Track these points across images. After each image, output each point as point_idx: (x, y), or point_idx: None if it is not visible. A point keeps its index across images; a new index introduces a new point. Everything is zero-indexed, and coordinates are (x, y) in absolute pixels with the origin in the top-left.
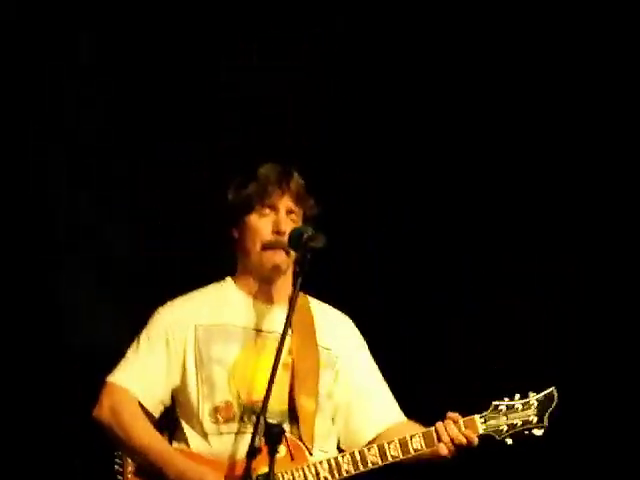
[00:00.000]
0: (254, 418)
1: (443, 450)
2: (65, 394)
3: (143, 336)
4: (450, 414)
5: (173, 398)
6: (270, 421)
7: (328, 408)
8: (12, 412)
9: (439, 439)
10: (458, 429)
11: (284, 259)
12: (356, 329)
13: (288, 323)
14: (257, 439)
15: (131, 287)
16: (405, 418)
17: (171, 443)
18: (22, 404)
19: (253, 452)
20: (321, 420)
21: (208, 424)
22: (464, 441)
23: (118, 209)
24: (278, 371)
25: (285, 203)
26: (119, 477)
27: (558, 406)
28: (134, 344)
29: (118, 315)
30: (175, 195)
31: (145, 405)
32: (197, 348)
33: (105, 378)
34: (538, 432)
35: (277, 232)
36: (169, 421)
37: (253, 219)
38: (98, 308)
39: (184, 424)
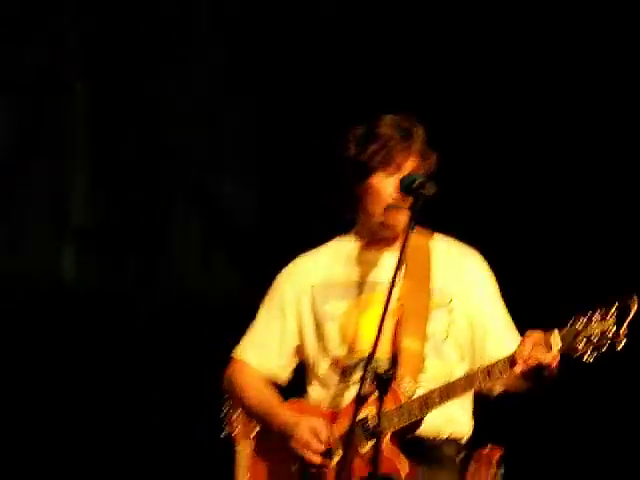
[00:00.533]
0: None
1: (517, 369)
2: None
3: (262, 306)
4: (529, 332)
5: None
6: (379, 370)
7: (447, 349)
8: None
9: (515, 361)
10: (534, 349)
11: (407, 218)
12: (482, 263)
13: (398, 273)
14: (365, 386)
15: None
16: None
17: None
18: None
19: (361, 399)
20: (438, 362)
21: (325, 378)
22: (534, 362)
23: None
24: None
25: (410, 164)
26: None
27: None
28: (257, 315)
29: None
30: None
31: (262, 371)
32: (313, 308)
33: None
34: (619, 345)
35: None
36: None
37: (377, 180)
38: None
39: (309, 380)
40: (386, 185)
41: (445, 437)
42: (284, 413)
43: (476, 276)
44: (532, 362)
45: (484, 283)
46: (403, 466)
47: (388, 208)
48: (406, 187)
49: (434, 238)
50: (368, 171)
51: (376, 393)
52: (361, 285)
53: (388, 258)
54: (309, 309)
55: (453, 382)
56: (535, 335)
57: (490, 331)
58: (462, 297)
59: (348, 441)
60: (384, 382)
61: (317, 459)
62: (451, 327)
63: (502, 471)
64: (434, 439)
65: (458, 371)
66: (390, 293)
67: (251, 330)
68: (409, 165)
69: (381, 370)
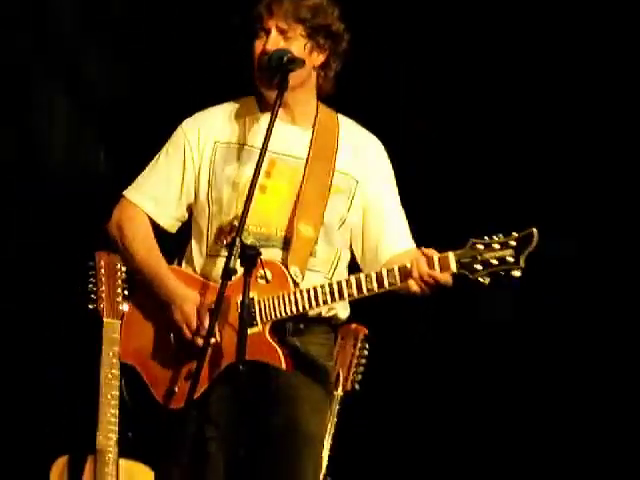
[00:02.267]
0: (257, 243)
1: (413, 286)
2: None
3: (163, 150)
4: (424, 250)
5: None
6: (247, 242)
7: (338, 235)
8: None
9: (410, 275)
10: (431, 267)
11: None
12: (384, 153)
13: (266, 143)
14: (232, 260)
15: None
16: (414, 246)
17: (181, 263)
18: None
19: (228, 273)
20: (328, 247)
21: (213, 245)
22: (432, 281)
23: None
24: (282, 196)
25: (274, 23)
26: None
27: (537, 248)
28: (155, 158)
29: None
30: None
31: (158, 222)
32: (212, 166)
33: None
34: (516, 273)
35: (263, 52)
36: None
37: (253, 43)
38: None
39: (193, 243)
40: (257, 45)
41: (321, 317)
42: (173, 281)
43: (380, 166)
44: (429, 280)
45: (386, 174)
46: (285, 358)
47: (257, 67)
48: (275, 62)
49: (339, 118)
50: (248, 35)
51: (261, 272)
52: (269, 155)
53: (298, 132)
54: (207, 166)
55: (343, 283)
56: (430, 252)
57: (386, 227)
58: (364, 185)
59: (214, 319)
60: (250, 257)
61: (193, 338)
62: (348, 213)
63: (367, 347)
64: (312, 317)
65: (343, 257)
66: (259, 167)
67: (149, 176)
68: (274, 24)
69: (249, 244)
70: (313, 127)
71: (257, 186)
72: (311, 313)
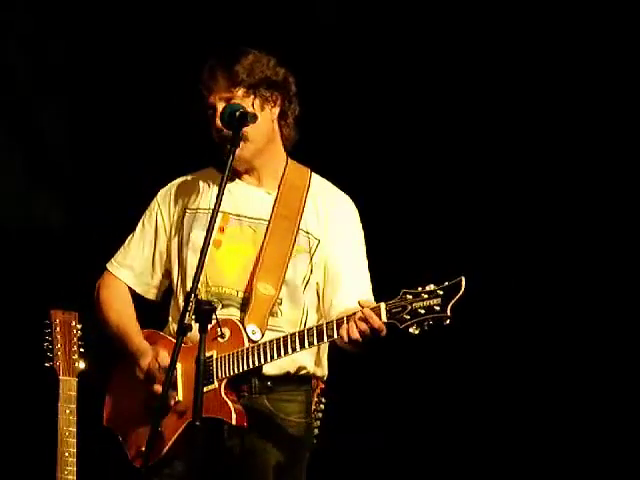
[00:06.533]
0: (220, 305)
1: (343, 331)
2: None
3: (140, 222)
4: (361, 300)
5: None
6: (201, 298)
7: (304, 296)
8: None
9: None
10: (361, 318)
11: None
12: (352, 213)
13: (218, 203)
14: (187, 316)
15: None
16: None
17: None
18: None
19: (183, 329)
20: (292, 306)
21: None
22: (366, 327)
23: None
24: (242, 257)
25: (216, 97)
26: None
27: (464, 297)
28: (135, 230)
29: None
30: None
31: (136, 290)
32: (182, 232)
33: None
34: (445, 321)
35: (216, 129)
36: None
37: (210, 106)
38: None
39: (171, 306)
40: (211, 121)
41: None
42: (138, 340)
43: (344, 226)
44: (362, 327)
45: (350, 234)
46: (237, 413)
47: (218, 132)
48: (226, 118)
49: (312, 178)
50: (204, 98)
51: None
52: (233, 219)
53: (263, 195)
54: (178, 233)
55: (288, 338)
56: (364, 303)
57: (341, 286)
58: (325, 245)
59: (168, 378)
60: (205, 313)
61: (154, 389)
62: (310, 273)
63: (324, 401)
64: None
65: (310, 318)
66: (211, 226)
67: (126, 246)
68: (218, 97)
69: (204, 300)
70: (279, 188)
71: (212, 242)
72: (271, 371)
